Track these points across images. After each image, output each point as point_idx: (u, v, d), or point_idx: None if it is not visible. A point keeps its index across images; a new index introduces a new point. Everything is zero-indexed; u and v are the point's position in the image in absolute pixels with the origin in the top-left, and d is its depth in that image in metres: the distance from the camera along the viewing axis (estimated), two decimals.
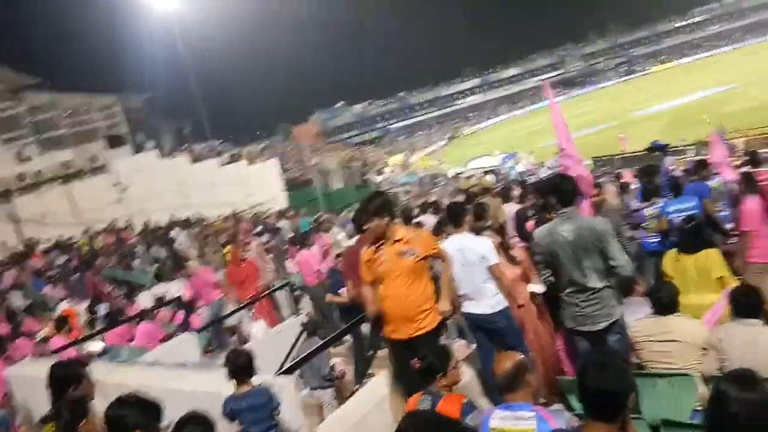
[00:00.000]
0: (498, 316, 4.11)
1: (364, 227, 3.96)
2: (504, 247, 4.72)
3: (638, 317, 3.89)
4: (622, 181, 11.34)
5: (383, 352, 4.35)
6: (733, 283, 4.25)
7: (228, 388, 3.69)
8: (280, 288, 8.84)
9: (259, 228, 16.21)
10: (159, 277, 11.74)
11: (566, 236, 3.60)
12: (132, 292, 10.29)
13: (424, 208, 11.12)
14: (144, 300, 9.61)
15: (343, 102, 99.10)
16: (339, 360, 6.02)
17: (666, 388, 3.36)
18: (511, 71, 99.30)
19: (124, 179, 21.18)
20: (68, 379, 3.19)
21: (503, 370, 2.61)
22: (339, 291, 6.72)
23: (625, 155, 24.19)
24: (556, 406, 3.91)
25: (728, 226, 6.18)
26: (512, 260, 4.68)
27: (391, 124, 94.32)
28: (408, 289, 3.63)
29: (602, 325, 3.57)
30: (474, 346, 4.61)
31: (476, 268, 4.13)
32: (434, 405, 2.86)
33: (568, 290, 3.68)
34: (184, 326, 8.03)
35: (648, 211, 6.22)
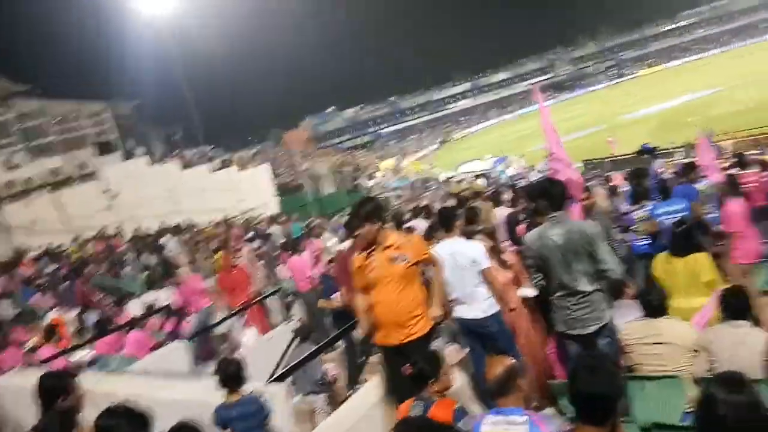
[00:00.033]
0: (490, 320, 4.11)
1: (356, 233, 3.95)
2: (495, 251, 4.73)
3: (628, 320, 3.90)
4: (611, 184, 11.40)
5: (375, 358, 4.34)
6: (722, 286, 4.28)
7: (218, 396, 3.66)
8: (272, 294, 8.80)
9: (250, 234, 16.15)
10: (149, 285, 11.66)
11: (556, 240, 3.61)
12: (121, 300, 10.21)
13: (416, 213, 11.12)
14: (134, 308, 9.53)
15: (333, 107, 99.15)
16: (331, 365, 6.00)
17: (656, 390, 3.38)
18: (501, 75, 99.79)
19: (113, 186, 21.07)
20: (57, 390, 3.16)
21: (494, 375, 2.60)
22: (331, 296, 6.72)
23: (614, 158, 24.34)
24: (548, 411, 3.92)
25: (717, 228, 6.23)
26: (504, 264, 4.69)
27: (382, 129, 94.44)
28: (399, 295, 3.63)
29: (592, 329, 3.58)
30: (466, 350, 4.61)
31: (468, 272, 4.14)
32: (426, 411, 2.86)
33: (558, 294, 3.69)
34: (175, 334, 7.97)
35: (637, 214, 6.25)
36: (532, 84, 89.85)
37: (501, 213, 7.64)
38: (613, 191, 8.57)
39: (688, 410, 3.14)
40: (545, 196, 3.84)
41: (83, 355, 6.85)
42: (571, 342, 3.73)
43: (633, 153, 17.32)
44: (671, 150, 20.43)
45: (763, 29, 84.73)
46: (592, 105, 64.61)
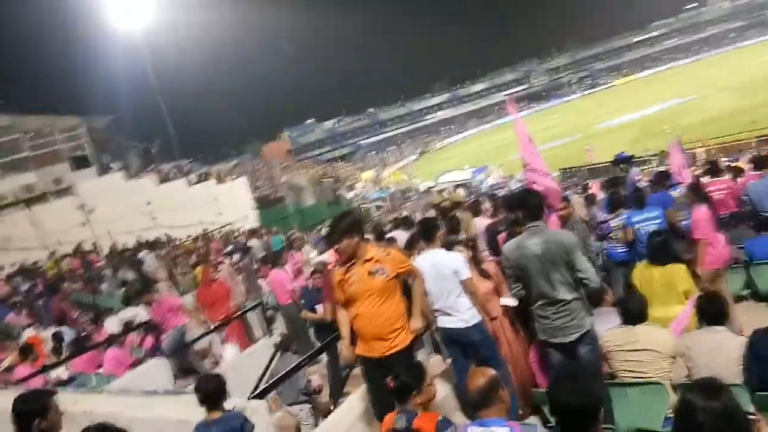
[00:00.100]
0: (472, 330, 4.13)
1: (335, 248, 3.95)
2: (476, 261, 4.76)
3: (608, 327, 3.95)
4: (589, 192, 11.57)
5: (358, 370, 4.32)
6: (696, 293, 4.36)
7: (199, 414, 3.61)
8: (252, 309, 8.73)
9: (230, 248, 16.01)
10: (126, 301, 11.47)
11: (534, 250, 3.65)
12: (98, 317, 10.02)
13: (397, 224, 11.14)
14: (111, 325, 9.37)
15: (312, 119, 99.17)
16: (315, 376, 5.97)
17: (638, 397, 3.42)
18: (479, 86, 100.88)
19: (89, 201, 20.77)
20: (33, 414, 3.08)
21: (476, 386, 2.61)
22: (314, 307, 6.71)
23: (591, 166, 24.73)
24: (531, 420, 3.94)
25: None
26: (484, 274, 4.72)
27: (362, 140, 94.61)
28: (379, 308, 3.62)
29: (573, 337, 3.61)
30: (449, 361, 4.62)
31: (449, 283, 4.15)
32: (409, 423, 2.85)
33: (538, 303, 3.72)
34: (154, 351, 7.83)
35: (614, 222, 6.35)
36: (509, 95, 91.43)
37: (481, 223, 7.69)
38: (590, 200, 8.68)
39: (670, 416, 3.18)
40: (523, 206, 3.89)
41: (60, 373, 6.71)
42: (553, 350, 3.76)
43: (609, 161, 17.59)
44: (646, 158, 20.84)
45: (731, 39, 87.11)
46: (567, 115, 65.60)
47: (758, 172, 7.32)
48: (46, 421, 3.06)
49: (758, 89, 36.04)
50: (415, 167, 61.62)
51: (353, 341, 3.83)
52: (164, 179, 26.84)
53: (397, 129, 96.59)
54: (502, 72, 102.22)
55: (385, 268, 3.63)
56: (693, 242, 5.42)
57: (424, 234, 4.45)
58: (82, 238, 19.29)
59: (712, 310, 3.59)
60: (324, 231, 16.97)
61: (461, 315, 4.10)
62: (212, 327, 7.97)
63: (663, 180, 7.66)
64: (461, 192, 26.95)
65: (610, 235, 6.40)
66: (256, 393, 4.36)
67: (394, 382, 3.01)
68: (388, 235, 8.30)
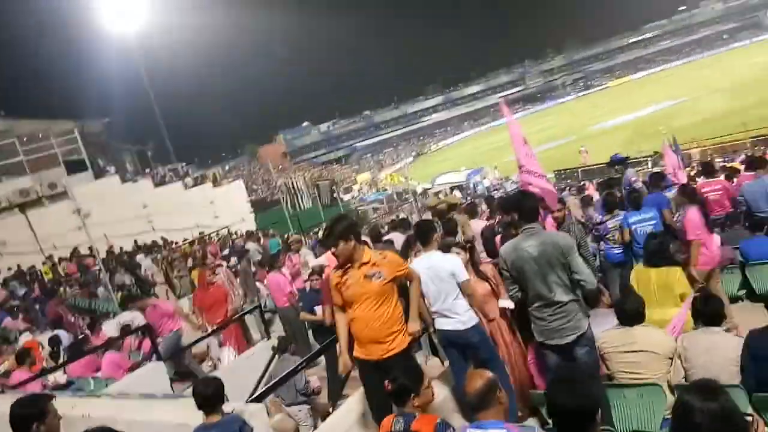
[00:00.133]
0: (471, 332, 4.13)
1: (332, 252, 3.96)
2: (473, 263, 4.77)
3: (605, 328, 3.97)
4: (585, 193, 11.62)
5: (356, 373, 4.33)
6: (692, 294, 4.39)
7: (198, 417, 3.61)
8: (250, 312, 8.72)
9: (227, 251, 16.00)
10: (124, 305, 11.45)
11: (531, 252, 3.67)
12: (95, 321, 10.00)
13: (393, 226, 11.16)
14: (109, 328, 9.35)
15: (308, 122, 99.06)
16: (313, 377, 5.98)
17: (635, 398, 3.44)
18: (474, 88, 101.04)
19: (85, 205, 20.65)
20: (31, 418, 3.08)
21: (474, 388, 2.61)
22: (313, 308, 6.72)
23: (587, 168, 24.81)
24: (530, 422, 3.96)
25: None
26: (482, 276, 4.73)
27: (358, 143, 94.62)
28: (376, 312, 3.63)
29: (570, 339, 3.63)
30: (447, 363, 4.63)
31: (447, 285, 4.15)
32: (408, 426, 2.86)
33: (535, 305, 3.74)
34: (152, 354, 7.82)
35: (610, 224, 6.39)
36: (504, 96, 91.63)
37: (477, 225, 7.70)
38: (586, 201, 8.72)
39: (668, 417, 3.20)
40: (518, 208, 3.91)
41: (58, 377, 6.69)
42: (550, 352, 3.78)
43: (604, 163, 17.67)
44: (640, 159, 20.93)
45: (723, 41, 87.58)
46: (562, 117, 65.77)
47: (753, 173, 7.36)
48: (44, 425, 3.05)
49: (749, 91, 36.23)
50: (411, 169, 61.62)
51: (351, 346, 3.84)
52: (160, 182, 26.82)
53: (392, 131, 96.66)
54: (497, 74, 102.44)
55: (382, 271, 3.64)
56: (686, 243, 5.45)
57: (421, 236, 4.45)
58: (78, 242, 19.19)
59: (708, 311, 3.61)
60: (320, 234, 16.95)
61: (459, 317, 4.11)
62: (210, 330, 7.96)
63: (658, 181, 7.71)
64: (457, 194, 26.98)
65: (607, 236, 6.43)
66: (254, 396, 4.37)
67: (392, 384, 3.02)
68: (386, 237, 8.31)
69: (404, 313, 3.81)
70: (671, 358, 3.57)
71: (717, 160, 16.57)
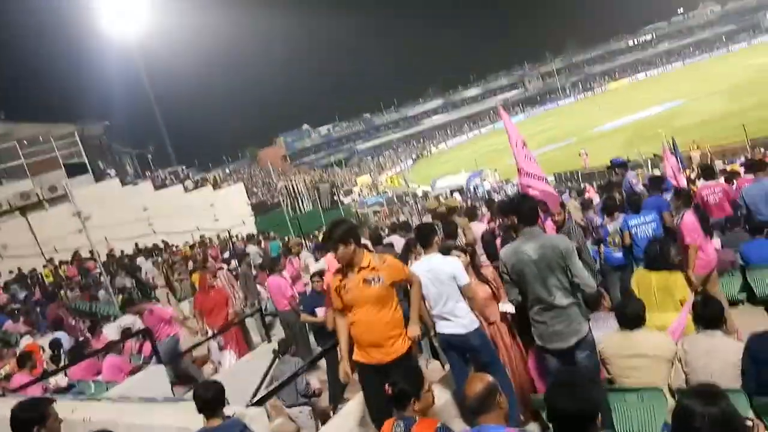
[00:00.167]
0: (472, 335, 4.13)
1: (334, 255, 3.96)
2: (474, 266, 4.77)
3: (605, 332, 3.96)
4: (586, 196, 11.63)
5: (357, 376, 4.34)
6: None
7: (198, 421, 3.61)
8: (251, 315, 8.73)
9: (227, 254, 16.01)
10: (124, 308, 11.46)
11: (530, 255, 3.67)
12: (95, 324, 10.00)
13: (394, 228, 11.17)
14: (110, 332, 9.35)
15: (307, 125, 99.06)
16: (314, 380, 5.99)
17: (636, 402, 3.43)
18: (473, 91, 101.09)
19: (85, 208, 20.69)
20: (32, 421, 3.09)
21: (474, 392, 2.61)
22: (314, 310, 6.73)
23: (588, 171, 24.82)
24: (531, 426, 3.96)
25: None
26: (483, 279, 4.73)
27: (357, 145, 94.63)
28: (376, 316, 3.63)
29: (571, 342, 3.62)
30: (448, 367, 4.63)
31: (447, 288, 4.15)
32: (408, 430, 2.86)
33: (535, 308, 3.74)
34: (152, 357, 7.82)
35: (611, 227, 6.39)
36: (504, 99, 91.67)
37: (477, 228, 7.71)
38: (586, 204, 8.72)
39: (669, 421, 3.20)
40: (517, 212, 3.92)
41: (59, 380, 6.70)
42: (550, 356, 3.78)
43: (605, 166, 17.68)
44: (641, 162, 20.95)
45: (721, 43, 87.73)
46: (562, 119, 65.79)
47: (752, 176, 7.36)
48: (45, 428, 3.07)
49: (748, 93, 36.26)
50: (412, 172, 61.71)
51: (351, 349, 3.84)
52: (160, 185, 26.86)
53: (392, 134, 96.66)
54: (496, 76, 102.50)
55: (381, 275, 3.64)
56: (683, 247, 5.45)
57: (421, 239, 4.45)
58: (79, 245, 19.24)
59: (707, 314, 3.61)
60: (321, 237, 16.95)
61: (460, 320, 4.11)
62: (211, 334, 7.96)
63: (658, 184, 7.71)
64: (457, 197, 27.00)
65: (607, 239, 6.44)
66: (255, 400, 4.36)
67: (392, 388, 3.02)
68: (386, 240, 8.32)
69: (406, 317, 3.82)
70: (672, 362, 3.57)
71: (717, 162, 16.59)
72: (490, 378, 2.71)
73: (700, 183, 8.26)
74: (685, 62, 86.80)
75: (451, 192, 30.29)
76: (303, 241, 16.06)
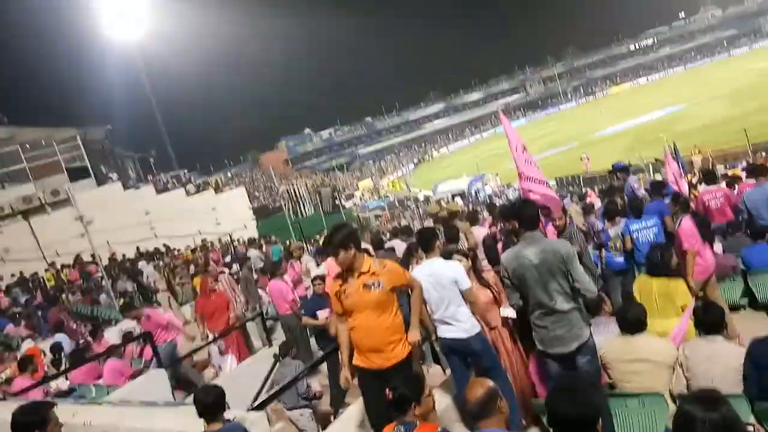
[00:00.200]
0: (473, 340, 4.12)
1: (336, 260, 3.96)
2: (476, 271, 4.77)
3: (606, 336, 3.96)
4: (587, 200, 11.62)
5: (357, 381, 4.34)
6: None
7: (198, 425, 3.61)
8: (252, 319, 8.73)
9: (229, 258, 16.03)
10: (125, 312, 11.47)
11: (531, 259, 3.66)
12: (96, 328, 10.02)
13: (395, 233, 11.16)
14: (112, 336, 9.36)
15: (309, 129, 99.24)
16: (315, 383, 5.99)
17: (637, 407, 3.43)
18: (475, 95, 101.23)
19: (87, 212, 20.76)
20: (33, 426, 3.09)
21: (475, 397, 2.61)
22: (315, 312, 6.73)
23: (589, 175, 24.81)
24: (533, 431, 3.94)
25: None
26: (484, 283, 4.73)
27: (359, 149, 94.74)
28: (376, 321, 3.63)
29: (572, 347, 3.61)
30: (449, 371, 4.62)
31: (449, 292, 4.14)
32: None
33: (536, 313, 3.73)
34: (152, 360, 7.82)
35: (612, 231, 6.39)
36: (506, 103, 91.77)
37: (479, 232, 7.71)
38: (587, 209, 8.72)
39: (670, 426, 3.19)
40: (518, 216, 3.92)
41: (60, 384, 6.70)
42: (552, 361, 3.77)
43: (607, 170, 17.67)
44: (642, 166, 20.94)
45: (723, 48, 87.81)
46: (564, 123, 65.80)
47: (754, 180, 7.35)
48: None
49: (750, 97, 36.27)
50: (413, 176, 61.73)
51: (351, 355, 3.84)
52: (162, 189, 26.91)
53: (393, 138, 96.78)
54: (498, 81, 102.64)
55: (381, 280, 3.63)
56: (681, 253, 5.44)
57: (423, 243, 4.45)
58: (81, 249, 19.26)
59: (708, 319, 3.61)
60: (321, 241, 16.96)
61: (462, 324, 4.10)
62: (211, 338, 7.96)
63: (659, 188, 7.71)
64: (459, 201, 27.01)
65: (608, 243, 6.43)
66: (256, 404, 4.36)
67: (392, 393, 3.02)
68: (387, 245, 8.32)
69: (407, 321, 3.82)
70: (673, 367, 3.56)
71: (719, 167, 16.56)
72: (490, 383, 2.71)
73: (702, 188, 8.24)
74: (687, 67, 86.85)
75: (453, 196, 30.28)
76: (304, 245, 16.06)
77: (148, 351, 8.21)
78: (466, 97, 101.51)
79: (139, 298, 13.34)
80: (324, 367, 6.39)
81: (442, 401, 4.17)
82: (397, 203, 35.85)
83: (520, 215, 3.87)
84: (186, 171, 40.14)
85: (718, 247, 6.63)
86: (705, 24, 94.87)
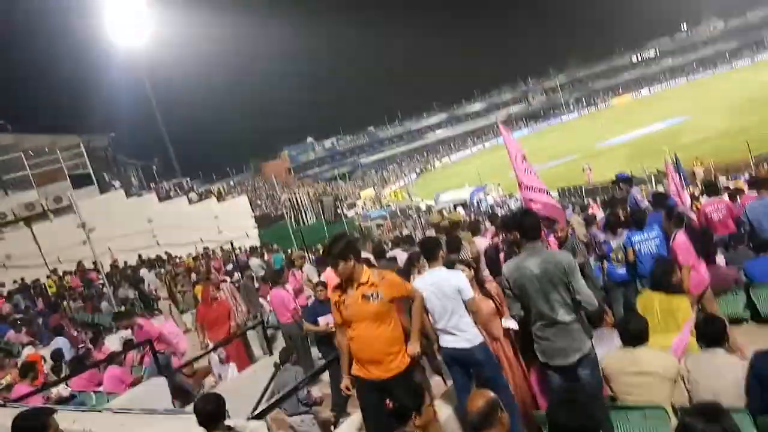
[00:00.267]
0: (476, 350, 4.12)
1: (335, 271, 3.97)
2: (478, 281, 4.77)
3: (608, 348, 3.94)
4: (589, 211, 11.61)
5: None
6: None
7: None
8: (253, 327, 8.71)
9: (230, 266, 16.04)
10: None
11: (533, 270, 3.66)
12: (98, 335, 10.01)
13: (397, 242, 11.17)
14: (113, 343, 9.35)
15: (311, 138, 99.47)
16: (315, 388, 5.98)
17: (639, 420, 3.41)
18: (477, 106, 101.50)
19: (89, 219, 20.82)
20: (33, 431, 3.09)
21: (476, 407, 2.60)
22: (316, 319, 6.74)
23: (591, 186, 24.81)
24: None
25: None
26: (486, 294, 4.72)
27: (361, 159, 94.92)
28: (376, 332, 3.63)
29: (573, 359, 3.61)
30: (450, 382, 4.61)
31: (452, 302, 4.14)
32: None
33: (538, 324, 3.73)
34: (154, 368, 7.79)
35: (614, 243, 6.38)
36: (508, 113, 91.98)
37: (481, 243, 7.71)
38: (589, 220, 8.71)
39: None
40: (519, 227, 3.92)
41: (61, 391, 6.69)
42: (553, 373, 3.76)
43: (610, 181, 17.67)
44: (644, 177, 20.94)
45: (725, 60, 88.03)
46: (566, 134, 65.88)
47: (756, 193, 7.35)
48: None
49: (752, 110, 36.29)
50: (415, 186, 61.77)
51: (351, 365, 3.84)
52: (165, 197, 26.97)
53: (396, 148, 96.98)
54: (500, 91, 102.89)
55: (380, 291, 3.63)
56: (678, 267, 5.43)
57: (426, 253, 4.45)
58: (83, 256, 19.29)
59: (709, 332, 3.60)
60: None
61: (464, 335, 4.10)
62: (211, 347, 7.95)
63: (661, 200, 7.71)
64: (461, 211, 27.01)
65: (610, 254, 6.43)
66: (256, 413, 4.35)
67: (393, 403, 3.01)
68: (389, 254, 8.32)
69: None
70: (675, 380, 3.54)
71: (721, 179, 16.56)
72: (492, 394, 2.71)
73: (704, 200, 8.24)
74: (689, 78, 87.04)
75: (455, 206, 30.29)
76: (306, 253, 16.06)
77: (148, 359, 8.20)
78: (468, 108, 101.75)
79: (140, 305, 13.34)
80: (325, 375, 6.38)
81: (443, 412, 4.16)
82: (399, 213, 35.87)
83: (522, 225, 3.88)
84: (188, 179, 40.26)
85: (720, 259, 6.62)
86: (707, 36, 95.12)
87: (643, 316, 4.09)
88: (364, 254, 6.37)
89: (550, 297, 3.62)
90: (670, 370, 3.56)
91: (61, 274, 18.35)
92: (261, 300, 10.40)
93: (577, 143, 50.90)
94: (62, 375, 7.45)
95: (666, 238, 6.22)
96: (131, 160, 36.66)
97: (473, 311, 4.15)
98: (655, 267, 4.91)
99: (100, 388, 7.09)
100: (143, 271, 16.69)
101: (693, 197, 9.71)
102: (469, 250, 7.09)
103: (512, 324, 4.36)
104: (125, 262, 19.27)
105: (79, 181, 24.76)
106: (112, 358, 7.60)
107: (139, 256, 20.19)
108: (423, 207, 36.63)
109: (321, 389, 6.31)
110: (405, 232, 22.79)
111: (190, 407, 4.60)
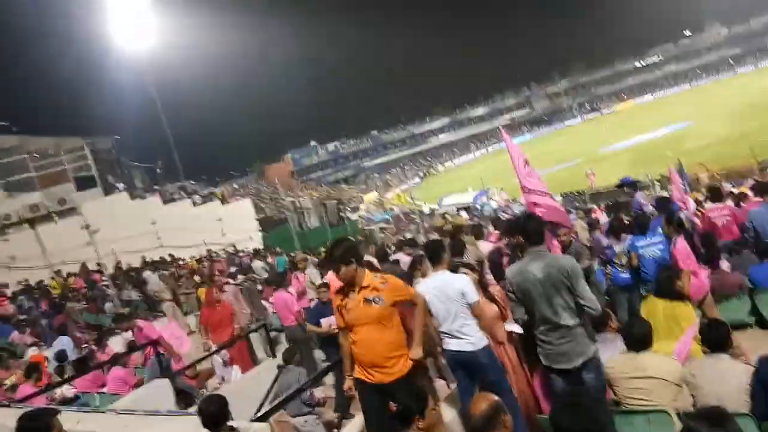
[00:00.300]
0: (480, 353, 4.11)
1: (337, 275, 3.97)
2: (482, 285, 4.77)
3: (612, 353, 3.94)
4: (593, 216, 11.61)
5: None
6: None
7: None
8: (256, 330, 8.72)
9: (233, 269, 16.05)
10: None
11: (536, 274, 3.67)
12: (101, 337, 10.03)
13: (400, 246, 11.16)
14: (116, 344, 9.36)
15: (315, 141, 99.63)
16: (318, 389, 5.99)
17: (643, 424, 3.40)
18: (480, 110, 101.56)
19: (93, 221, 20.88)
20: (37, 431, 3.10)
21: (479, 411, 2.61)
22: (319, 321, 6.74)
23: (595, 190, 24.77)
24: None
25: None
26: (490, 298, 4.72)
27: (365, 162, 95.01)
28: (377, 336, 3.63)
29: (577, 363, 3.61)
30: (454, 385, 4.60)
31: (456, 305, 4.13)
32: None
33: (541, 328, 3.73)
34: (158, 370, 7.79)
35: (618, 247, 6.37)
36: (511, 118, 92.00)
37: (484, 247, 7.71)
38: (593, 225, 8.71)
39: None
40: (522, 231, 3.93)
41: (65, 392, 6.70)
42: (556, 377, 3.76)
43: (613, 186, 17.64)
44: (648, 183, 20.90)
45: (728, 66, 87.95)
46: (569, 139, 65.86)
47: (761, 198, 7.34)
48: None
49: (755, 115, 36.22)
50: (419, 190, 61.79)
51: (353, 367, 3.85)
52: (169, 199, 27.00)
53: (399, 152, 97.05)
54: (503, 96, 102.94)
55: (382, 296, 3.63)
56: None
57: (431, 256, 4.45)
58: (87, 258, 19.33)
59: (713, 337, 3.59)
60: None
61: (469, 338, 4.09)
62: (215, 348, 7.96)
63: (665, 205, 7.70)
64: (464, 215, 26.99)
65: (614, 259, 6.42)
66: (259, 415, 4.35)
67: (396, 406, 3.01)
68: (392, 258, 8.32)
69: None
70: (678, 385, 3.54)
71: (725, 184, 16.50)
72: (495, 397, 2.71)
73: (708, 205, 8.23)
74: (693, 84, 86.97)
75: (458, 210, 30.28)
76: (309, 256, 16.06)
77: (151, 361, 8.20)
78: (472, 112, 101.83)
79: (144, 307, 13.34)
80: (328, 377, 6.38)
81: (447, 415, 4.16)
82: (402, 216, 35.87)
83: (526, 230, 3.88)
84: (192, 182, 40.29)
85: (725, 265, 6.61)
86: (710, 42, 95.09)
87: (646, 319, 4.08)
88: (367, 257, 6.38)
89: (554, 301, 3.62)
90: (673, 375, 3.55)
91: (65, 275, 18.39)
92: (264, 302, 10.41)
93: (581, 148, 50.87)
94: (66, 376, 7.46)
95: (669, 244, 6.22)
96: (135, 163, 36.74)
97: (477, 315, 4.15)
98: (659, 274, 4.91)
99: (104, 389, 7.10)
100: (147, 273, 16.70)
101: (698, 203, 9.68)
102: (472, 253, 7.10)
103: (515, 328, 4.36)
104: (129, 264, 19.30)
105: (83, 183, 24.80)
106: (116, 360, 7.62)
107: (143, 257, 20.21)
108: (426, 211, 36.63)
109: (324, 391, 6.32)
110: (408, 235, 22.78)
111: (193, 408, 4.62)
